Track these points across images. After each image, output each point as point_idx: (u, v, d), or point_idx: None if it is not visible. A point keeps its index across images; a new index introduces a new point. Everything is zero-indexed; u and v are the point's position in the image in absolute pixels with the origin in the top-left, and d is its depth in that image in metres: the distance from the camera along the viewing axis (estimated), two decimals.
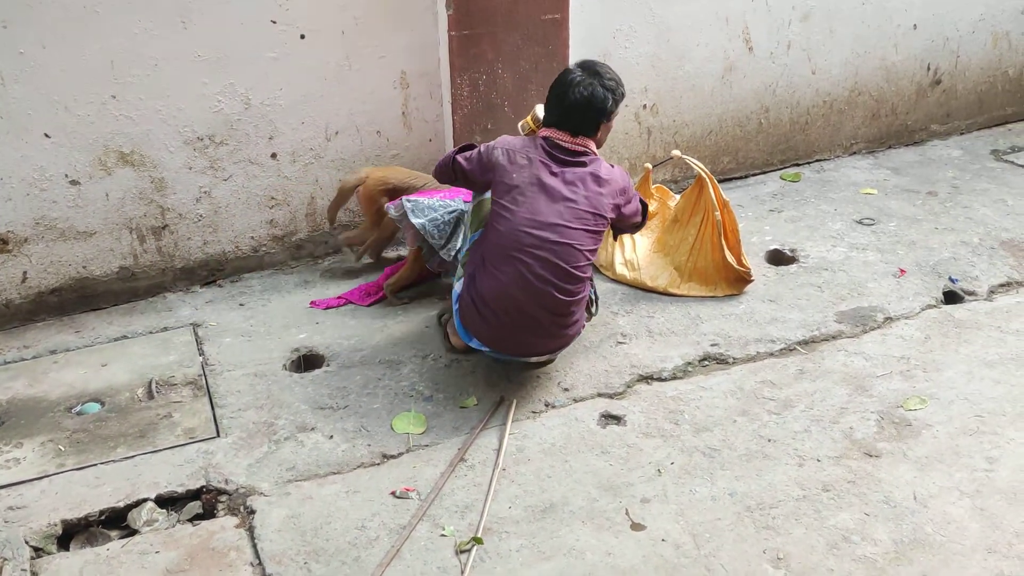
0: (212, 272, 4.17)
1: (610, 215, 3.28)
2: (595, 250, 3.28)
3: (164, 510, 2.93)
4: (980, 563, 2.60)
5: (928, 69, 5.35)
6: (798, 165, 5.23)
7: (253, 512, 2.89)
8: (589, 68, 3.27)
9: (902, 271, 4.07)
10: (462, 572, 2.63)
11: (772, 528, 2.75)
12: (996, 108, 5.67)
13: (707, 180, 3.90)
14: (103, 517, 2.90)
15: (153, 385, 3.45)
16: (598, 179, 3.24)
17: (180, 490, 2.97)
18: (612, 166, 3.34)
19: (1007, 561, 2.60)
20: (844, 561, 2.62)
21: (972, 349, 3.57)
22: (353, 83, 4.09)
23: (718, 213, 3.91)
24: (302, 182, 4.18)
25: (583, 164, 3.25)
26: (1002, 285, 4.01)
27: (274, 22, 3.86)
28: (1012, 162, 5.19)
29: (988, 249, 4.25)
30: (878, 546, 2.67)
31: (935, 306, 3.87)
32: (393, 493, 2.94)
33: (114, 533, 2.88)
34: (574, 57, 4.25)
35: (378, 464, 3.08)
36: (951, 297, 3.95)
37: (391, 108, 4.21)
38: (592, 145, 3.29)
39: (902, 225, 4.49)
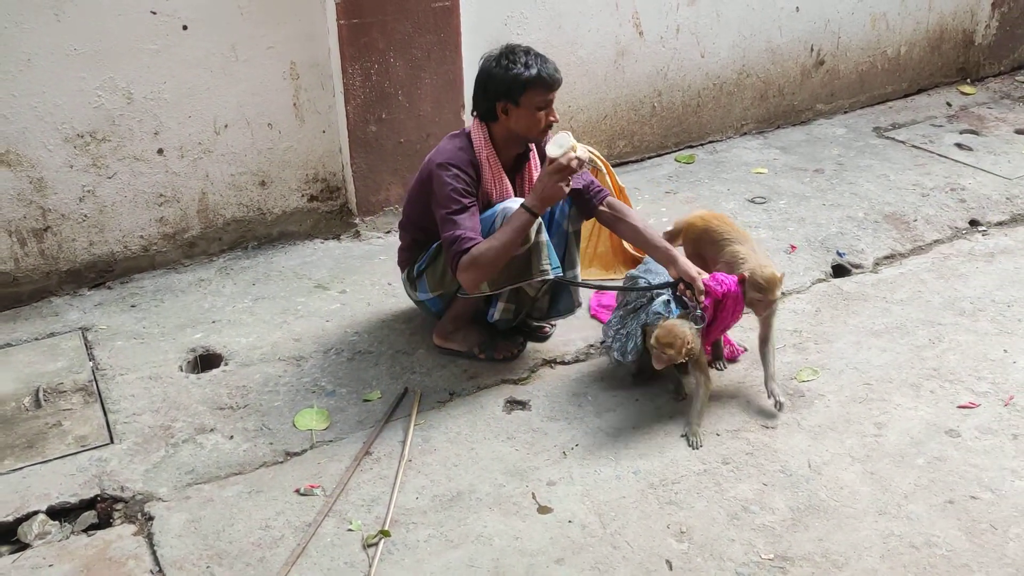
0: (100, 274, 4.02)
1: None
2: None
3: (57, 522, 2.82)
4: (872, 525, 2.70)
5: (812, 50, 5.51)
6: (692, 147, 5.33)
7: (152, 519, 2.80)
8: None
9: (793, 247, 4.20)
10: (370, 566, 2.60)
11: (675, 503, 2.81)
12: (877, 87, 5.89)
13: (603, 167, 3.94)
14: None
15: (40, 393, 3.31)
16: None
17: (73, 500, 2.86)
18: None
19: (896, 521, 2.71)
20: (744, 531, 2.70)
21: (860, 320, 3.70)
22: (241, 75, 3.99)
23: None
24: (192, 178, 4.06)
25: None
26: (886, 257, 4.17)
27: (154, 12, 3.73)
28: (893, 138, 5.39)
29: (872, 223, 4.41)
30: (776, 514, 2.76)
31: (824, 280, 4.01)
32: (297, 491, 2.89)
33: (4, 548, 2.75)
34: (467, 45, 4.25)
35: (281, 462, 3.02)
36: (839, 271, 4.09)
37: (282, 100, 4.12)
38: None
39: (792, 202, 4.63)
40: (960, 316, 3.71)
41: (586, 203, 3.38)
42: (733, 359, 3.46)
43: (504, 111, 3.17)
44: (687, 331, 3.00)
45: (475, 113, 3.27)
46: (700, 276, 3.12)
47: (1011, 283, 3.93)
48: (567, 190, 3.09)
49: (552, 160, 3.05)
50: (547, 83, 3.13)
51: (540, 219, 3.13)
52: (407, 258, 3.47)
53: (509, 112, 3.17)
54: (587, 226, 4.00)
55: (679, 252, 3.25)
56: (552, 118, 3.22)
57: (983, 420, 3.12)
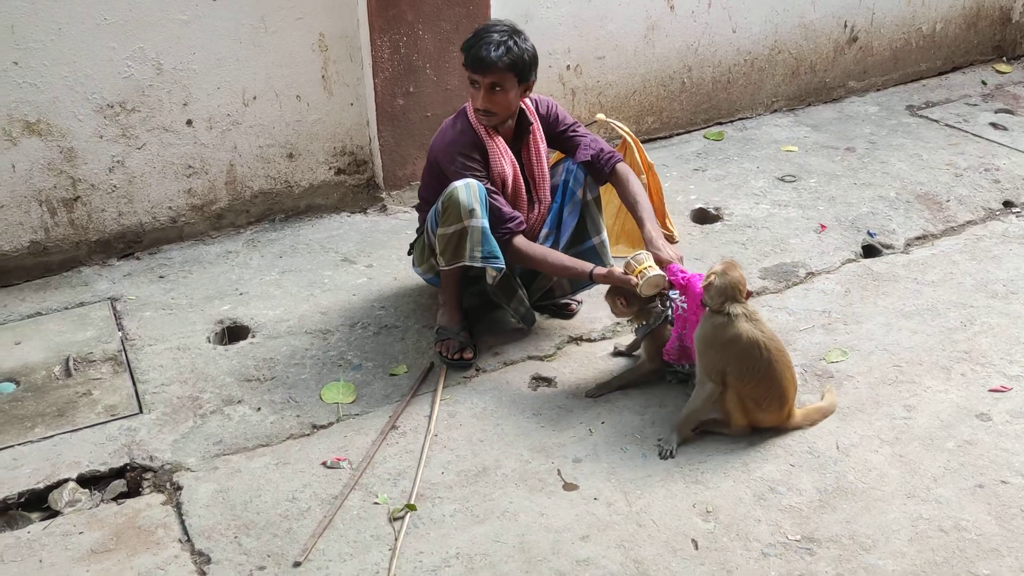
0: (129, 244, 4.04)
1: None
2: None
3: (87, 490, 2.85)
4: (900, 508, 2.69)
5: (845, 26, 5.42)
6: (721, 124, 5.27)
7: (180, 488, 2.83)
8: None
9: (823, 226, 4.15)
10: (396, 539, 2.62)
11: (701, 483, 2.80)
12: (910, 64, 5.79)
13: (632, 143, 3.90)
14: (23, 500, 2.80)
15: (71, 362, 3.34)
16: None
17: (103, 469, 2.89)
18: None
19: (925, 505, 2.69)
20: (771, 511, 2.69)
21: (890, 301, 3.66)
22: (270, 46, 3.97)
23: (643, 176, 3.92)
24: (220, 149, 4.06)
25: None
26: (918, 238, 4.12)
27: None
28: (926, 117, 5.31)
29: (904, 203, 4.35)
30: (803, 495, 2.74)
31: (854, 260, 3.96)
32: (324, 463, 2.91)
33: (35, 515, 2.79)
34: (496, 17, 4.21)
35: (308, 435, 3.04)
36: (869, 251, 4.04)
37: (310, 71, 4.10)
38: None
39: (822, 181, 4.57)
40: (992, 299, 3.66)
41: (598, 172, 3.39)
42: None
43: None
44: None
45: None
46: (674, 261, 3.10)
47: None
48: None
49: (639, 293, 3.03)
50: (470, 63, 3.10)
51: (478, 205, 3.09)
52: None
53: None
54: (615, 202, 3.97)
55: (659, 235, 3.20)
56: (478, 103, 3.14)
57: (1015, 404, 3.08)
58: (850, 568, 2.49)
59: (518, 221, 3.22)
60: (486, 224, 3.12)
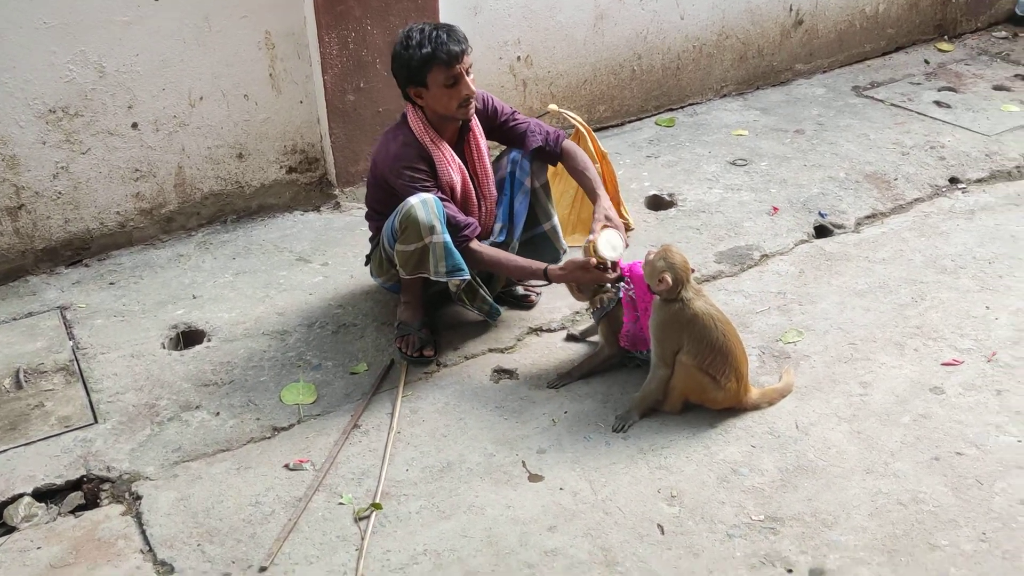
0: (77, 251, 3.96)
1: None
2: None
3: (43, 504, 2.79)
4: (859, 483, 2.73)
5: (791, 10, 5.48)
6: (672, 110, 5.30)
7: (140, 498, 2.79)
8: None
9: (775, 209, 4.20)
10: (362, 539, 2.60)
11: (665, 468, 2.82)
12: (855, 45, 5.87)
13: (584, 133, 3.90)
14: None
15: (21, 374, 3.27)
16: None
17: (59, 482, 2.84)
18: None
19: (884, 480, 2.74)
20: (734, 493, 2.71)
21: (843, 280, 3.71)
22: (215, 45, 3.91)
23: (597, 165, 3.92)
24: (168, 151, 4.00)
25: None
26: (868, 217, 4.18)
27: None
28: (872, 97, 5.39)
29: (854, 183, 4.41)
30: (765, 476, 2.77)
31: (807, 241, 4.01)
32: (287, 466, 2.88)
33: None
34: (445, 10, 4.19)
35: (269, 438, 3.01)
36: (821, 231, 4.10)
37: (257, 70, 4.05)
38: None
39: (773, 164, 4.62)
40: (942, 274, 3.73)
41: (550, 154, 3.39)
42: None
43: (418, 95, 3.12)
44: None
45: (404, 100, 3.22)
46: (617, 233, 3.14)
47: (991, 240, 3.95)
48: (590, 279, 3.10)
49: (602, 261, 3.03)
50: (444, 60, 3.02)
51: (437, 222, 3.05)
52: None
53: (422, 95, 3.11)
54: (570, 192, 3.98)
55: (608, 205, 3.23)
56: (466, 92, 3.10)
57: (967, 377, 3.15)
58: (813, 545, 2.53)
59: (473, 227, 3.21)
60: (448, 238, 3.09)
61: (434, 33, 3.04)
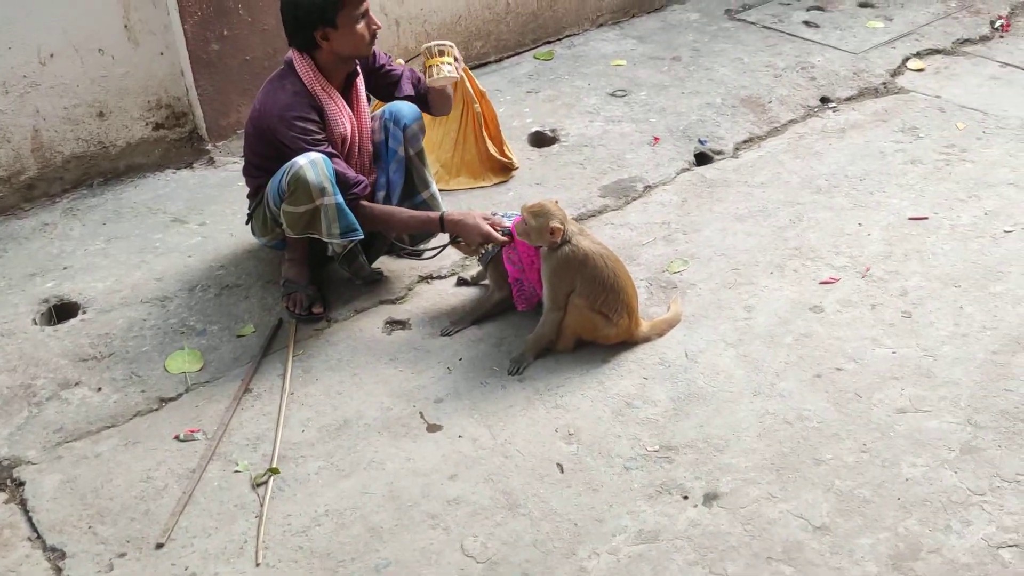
0: None
1: None
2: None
3: None
4: (748, 406, 2.82)
5: None
6: (550, 43, 5.25)
7: (22, 484, 2.68)
8: None
9: (656, 139, 4.23)
10: (261, 505, 2.56)
11: (561, 407, 2.86)
12: None
13: (462, 73, 3.82)
14: None
15: None
16: None
17: None
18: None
19: (770, 400, 2.84)
20: (629, 426, 2.77)
21: (724, 207, 3.79)
22: None
23: (477, 105, 3.88)
24: (20, 115, 3.75)
25: None
26: (745, 141, 4.25)
27: None
28: (744, 20, 5.44)
29: (730, 108, 4.48)
30: (658, 406, 2.84)
31: (688, 169, 4.06)
32: (177, 437, 2.80)
33: None
34: None
35: (156, 410, 2.92)
36: (702, 159, 4.15)
37: (111, 22, 3.81)
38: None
39: (652, 93, 4.64)
40: (817, 194, 3.84)
41: (423, 100, 3.35)
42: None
43: (324, 37, 2.99)
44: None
45: (292, 46, 3.07)
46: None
47: (862, 157, 4.08)
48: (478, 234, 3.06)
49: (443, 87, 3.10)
50: None
51: (328, 183, 2.97)
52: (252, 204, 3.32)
53: (330, 37, 2.99)
54: (452, 135, 3.93)
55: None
56: (374, 25, 3.04)
57: (843, 294, 3.27)
58: (707, 470, 2.61)
59: (363, 185, 3.11)
60: (340, 199, 3.00)
61: None
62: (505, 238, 3.05)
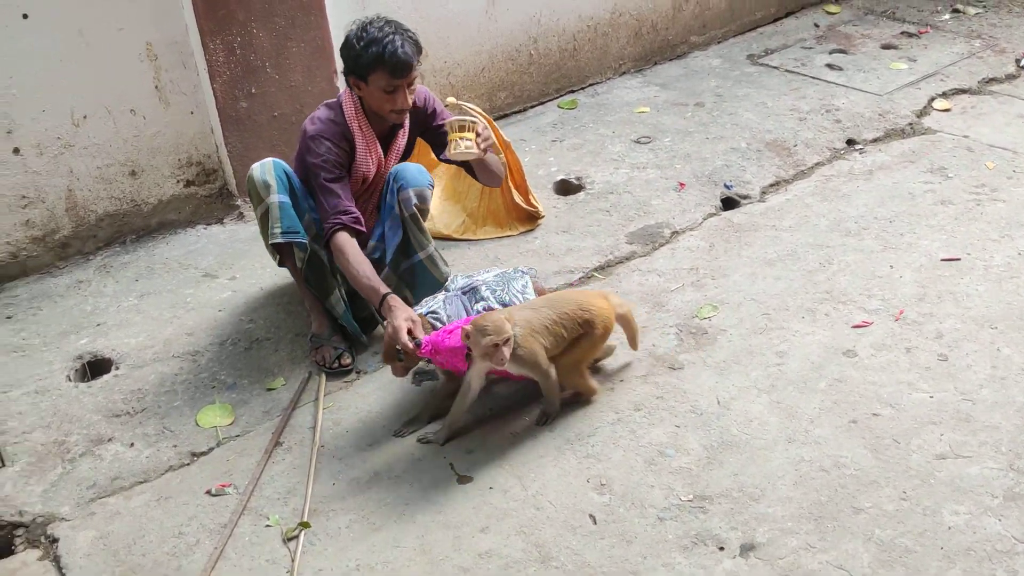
0: None
1: None
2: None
3: None
4: (783, 454, 2.77)
5: None
6: (573, 92, 5.30)
7: (56, 540, 2.68)
8: None
9: (681, 184, 4.23)
10: (293, 560, 2.54)
11: (593, 456, 2.82)
12: (746, 13, 5.94)
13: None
14: None
15: None
16: None
17: None
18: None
19: (805, 447, 2.79)
20: (662, 475, 2.73)
21: (752, 251, 3.77)
22: (93, 61, 3.74)
23: (502, 155, 3.90)
24: (55, 175, 3.82)
25: None
26: (771, 185, 4.24)
27: None
28: (767, 64, 5.47)
29: (755, 152, 4.48)
30: (691, 455, 2.80)
31: (715, 214, 4.05)
32: (209, 492, 2.80)
33: None
34: (332, 9, 4.10)
35: (187, 464, 2.92)
36: (728, 203, 4.15)
37: (142, 83, 3.90)
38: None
39: (676, 139, 4.65)
40: (846, 236, 3.81)
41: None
42: None
43: (356, 86, 3.09)
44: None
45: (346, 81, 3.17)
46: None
47: (890, 198, 4.05)
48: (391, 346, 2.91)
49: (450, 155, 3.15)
50: (390, 69, 2.98)
51: (273, 180, 3.09)
52: None
53: (361, 88, 3.08)
54: (476, 185, 3.95)
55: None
56: (401, 104, 3.07)
57: (877, 337, 3.22)
58: (742, 520, 2.56)
59: (353, 217, 3.12)
60: (284, 198, 3.10)
61: (390, 36, 2.98)
62: (413, 349, 2.83)
